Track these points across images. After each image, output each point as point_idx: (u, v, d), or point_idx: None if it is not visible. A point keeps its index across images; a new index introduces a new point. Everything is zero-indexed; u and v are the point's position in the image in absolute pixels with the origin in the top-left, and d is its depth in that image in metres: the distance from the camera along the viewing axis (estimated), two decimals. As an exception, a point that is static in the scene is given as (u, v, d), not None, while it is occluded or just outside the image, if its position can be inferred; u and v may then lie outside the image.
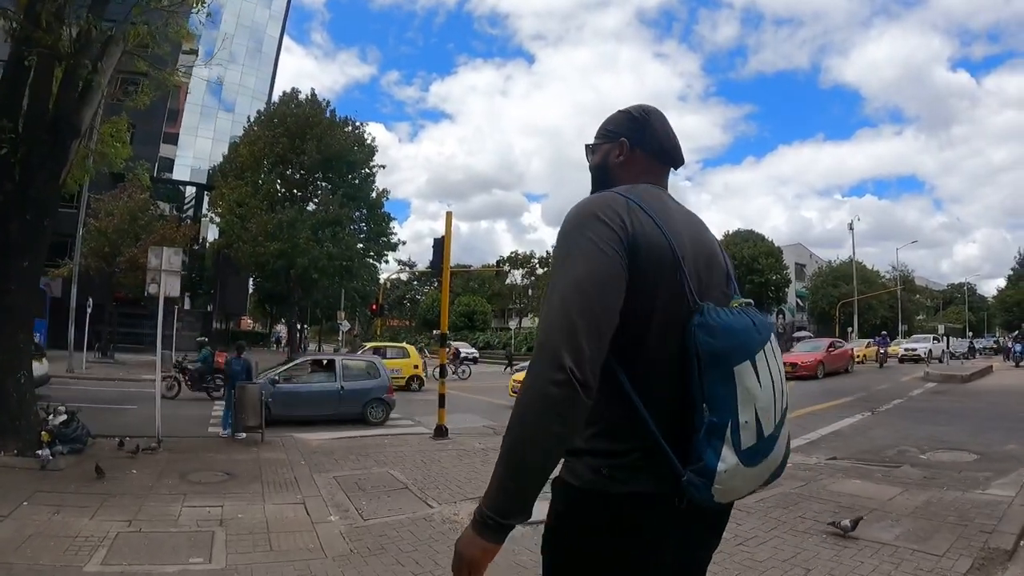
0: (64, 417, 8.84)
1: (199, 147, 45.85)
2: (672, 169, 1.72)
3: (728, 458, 1.33)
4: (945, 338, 43.65)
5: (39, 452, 7.83)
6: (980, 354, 40.05)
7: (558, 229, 1.48)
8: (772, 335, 1.45)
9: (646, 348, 1.40)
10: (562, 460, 1.44)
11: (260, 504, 6.51)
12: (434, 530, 5.70)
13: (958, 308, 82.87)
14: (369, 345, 24.79)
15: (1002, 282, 76.92)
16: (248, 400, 10.34)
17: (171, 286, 9.83)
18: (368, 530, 5.70)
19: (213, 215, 37.57)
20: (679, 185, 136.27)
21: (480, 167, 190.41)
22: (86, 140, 10.73)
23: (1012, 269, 70.51)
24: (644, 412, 1.38)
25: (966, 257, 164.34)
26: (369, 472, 8.13)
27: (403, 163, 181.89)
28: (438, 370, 12.34)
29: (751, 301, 1.51)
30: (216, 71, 45.92)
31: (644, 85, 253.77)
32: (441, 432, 10.90)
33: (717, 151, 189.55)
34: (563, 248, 1.41)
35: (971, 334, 62.39)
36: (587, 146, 1.77)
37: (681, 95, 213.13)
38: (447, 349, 34.84)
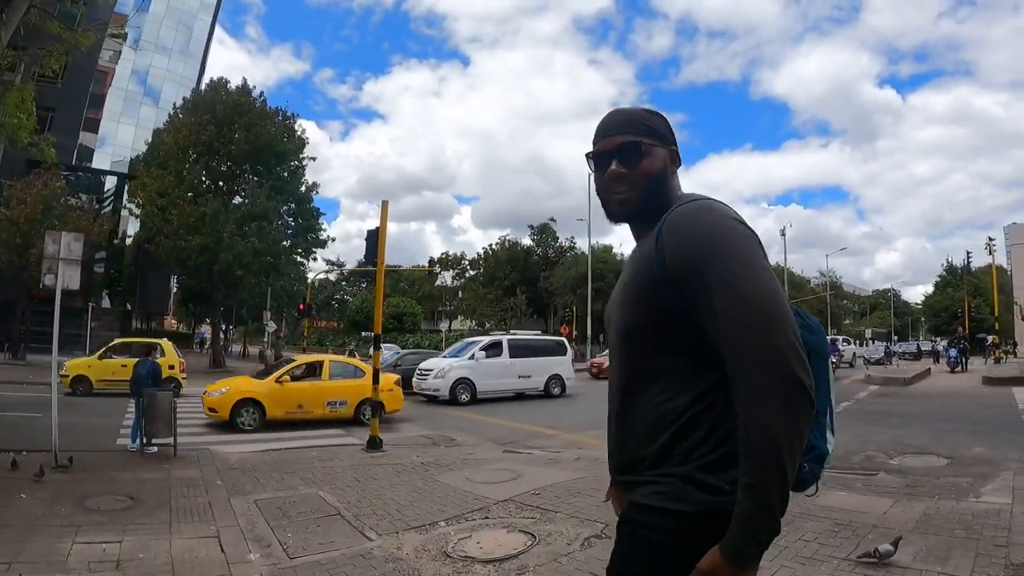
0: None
1: (121, 136, 43.03)
2: None
3: (831, 441, 1.51)
4: (871, 341, 44.71)
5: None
6: (902, 358, 40.73)
7: (683, 238, 1.39)
8: None
9: None
10: (638, 486, 1.46)
11: (167, 538, 5.37)
12: (375, 571, 4.69)
13: (883, 313, 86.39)
14: (118, 340, 22.55)
15: (923, 288, 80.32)
16: (158, 409, 9.08)
17: (70, 277, 8.50)
18: (295, 572, 4.66)
19: (133, 206, 35.11)
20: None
21: (411, 168, 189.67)
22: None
23: (939, 276, 73.63)
24: None
25: (888, 265, 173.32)
26: (295, 494, 7.00)
27: (334, 162, 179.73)
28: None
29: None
30: (143, 58, 43.75)
31: (578, 91, 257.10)
32: (375, 444, 9.93)
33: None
34: (732, 255, 1.33)
35: (896, 338, 64.58)
36: (635, 143, 1.53)
37: (614, 102, 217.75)
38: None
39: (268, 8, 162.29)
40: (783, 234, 53.47)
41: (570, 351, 21.54)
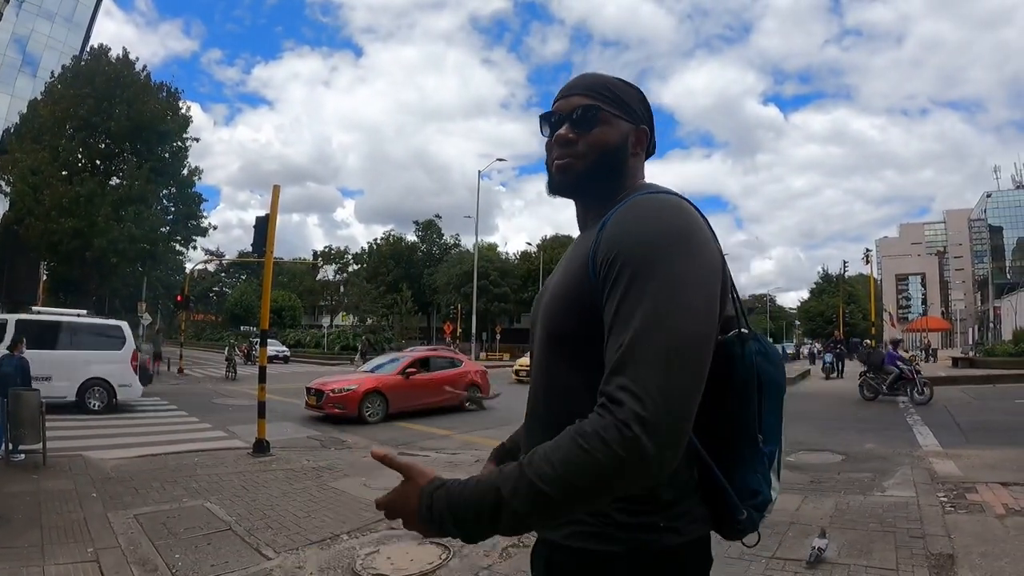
0: None
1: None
2: None
3: (776, 487, 1.28)
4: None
5: None
6: None
7: (626, 231, 1.13)
8: None
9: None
10: (570, 528, 1.18)
11: (39, 564, 4.58)
12: (277, 596, 4.17)
13: (758, 317, 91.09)
14: None
15: (796, 294, 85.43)
16: (25, 411, 8.06)
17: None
18: (184, 600, 4.07)
19: (2, 183, 32.03)
20: (493, 189, 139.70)
21: (295, 158, 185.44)
22: None
23: (815, 283, 78.89)
24: (704, 453, 1.20)
25: (763, 272, 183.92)
26: (180, 507, 6.26)
27: (216, 147, 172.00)
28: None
29: None
30: (24, 22, 40.02)
31: (468, 89, 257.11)
32: (262, 447, 9.23)
33: (533, 159, 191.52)
34: (672, 272, 1.06)
35: (770, 340, 68.17)
36: (592, 107, 1.30)
37: (504, 102, 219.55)
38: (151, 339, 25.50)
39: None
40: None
41: (130, 343, 14.98)
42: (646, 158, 1.40)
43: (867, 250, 40.44)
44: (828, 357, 26.33)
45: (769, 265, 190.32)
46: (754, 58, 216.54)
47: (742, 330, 1.25)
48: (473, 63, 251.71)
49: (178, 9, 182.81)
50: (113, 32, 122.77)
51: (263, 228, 10.41)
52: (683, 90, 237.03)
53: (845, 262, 66.11)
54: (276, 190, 10.27)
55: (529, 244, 68.24)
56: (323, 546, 5.15)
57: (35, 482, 7.18)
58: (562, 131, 1.31)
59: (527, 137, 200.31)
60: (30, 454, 8.17)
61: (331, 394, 13.22)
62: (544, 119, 1.37)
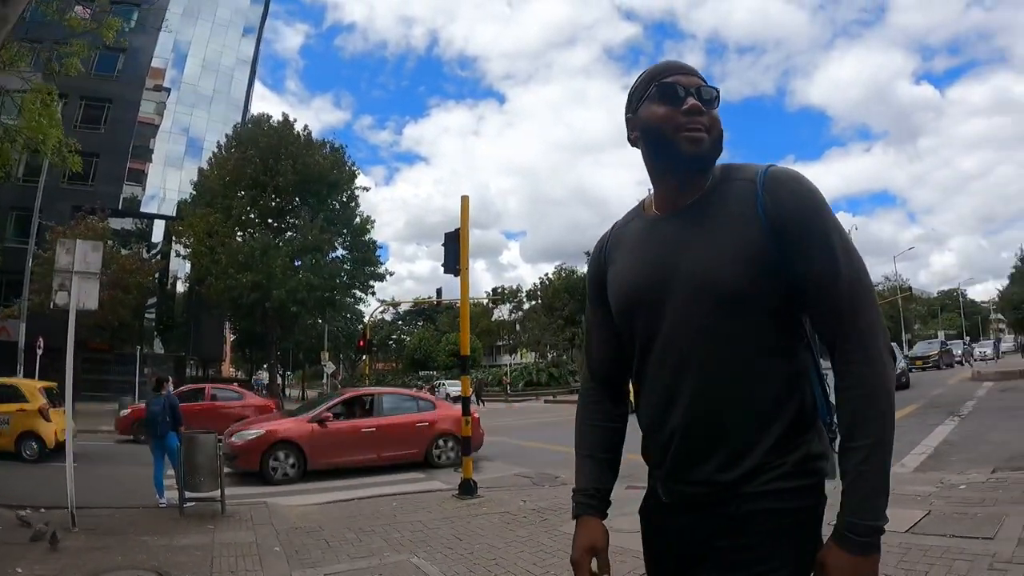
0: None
1: (168, 186, 42.50)
2: None
3: None
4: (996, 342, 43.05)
5: None
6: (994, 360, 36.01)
7: (804, 191, 1.28)
8: None
9: None
10: (756, 475, 1.27)
11: None
12: None
13: (950, 315, 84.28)
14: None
15: (982, 287, 77.00)
16: (201, 456, 7.42)
17: (87, 294, 7.03)
18: None
19: (180, 247, 34.33)
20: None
21: (457, 208, 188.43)
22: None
23: (1014, 267, 69.69)
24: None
25: (944, 266, 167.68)
26: (382, 563, 5.21)
27: (380, 206, 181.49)
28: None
29: None
30: (184, 110, 43.80)
31: (615, 118, 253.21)
32: (469, 488, 8.14)
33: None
34: (836, 229, 1.27)
35: (967, 338, 61.52)
36: (716, 91, 1.38)
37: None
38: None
39: (306, 62, 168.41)
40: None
41: None
42: None
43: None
44: None
45: (950, 258, 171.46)
46: (896, 37, 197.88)
47: None
48: (615, 91, 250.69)
49: (325, 84, 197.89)
50: (270, 112, 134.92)
51: (454, 243, 9.47)
52: (830, 85, 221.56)
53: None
54: (465, 201, 9.48)
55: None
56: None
57: (210, 533, 6.48)
58: (695, 101, 1.33)
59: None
60: (207, 503, 7.51)
61: None
62: (657, 84, 1.38)
